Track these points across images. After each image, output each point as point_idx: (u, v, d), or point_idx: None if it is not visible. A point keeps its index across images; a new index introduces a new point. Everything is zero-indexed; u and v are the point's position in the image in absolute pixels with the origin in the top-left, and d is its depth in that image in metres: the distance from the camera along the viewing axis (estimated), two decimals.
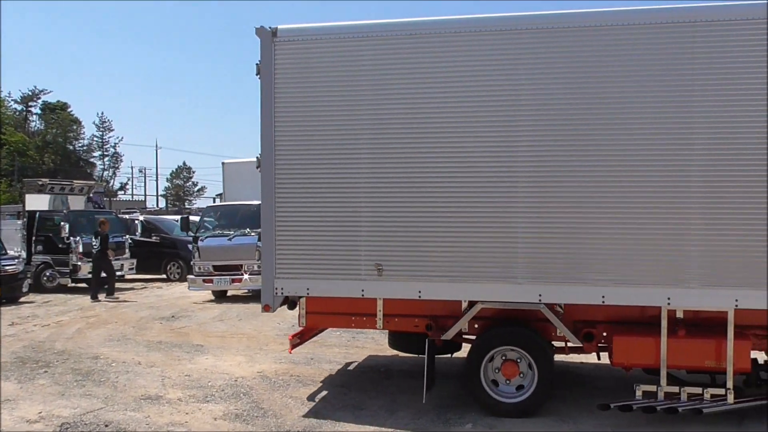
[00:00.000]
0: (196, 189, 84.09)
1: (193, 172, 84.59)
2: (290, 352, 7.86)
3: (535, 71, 6.20)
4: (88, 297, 15.73)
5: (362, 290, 6.58)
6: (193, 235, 15.77)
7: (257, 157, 6.83)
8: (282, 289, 6.78)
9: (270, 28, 6.66)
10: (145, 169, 79.95)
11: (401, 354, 8.27)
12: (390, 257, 6.48)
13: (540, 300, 6.27)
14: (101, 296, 15.57)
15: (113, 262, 16.49)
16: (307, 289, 6.76)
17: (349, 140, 6.57)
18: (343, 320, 7.22)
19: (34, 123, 64.92)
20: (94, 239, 16.39)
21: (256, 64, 6.73)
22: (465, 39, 6.34)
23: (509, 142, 6.27)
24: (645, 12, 6.03)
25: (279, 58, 6.65)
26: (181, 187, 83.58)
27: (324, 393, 7.37)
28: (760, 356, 6.69)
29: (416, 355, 7.81)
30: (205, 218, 16.28)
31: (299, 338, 7.62)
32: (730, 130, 5.88)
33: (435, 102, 6.38)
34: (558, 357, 7.05)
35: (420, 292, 6.46)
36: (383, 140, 6.50)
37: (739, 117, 5.86)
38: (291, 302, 7.15)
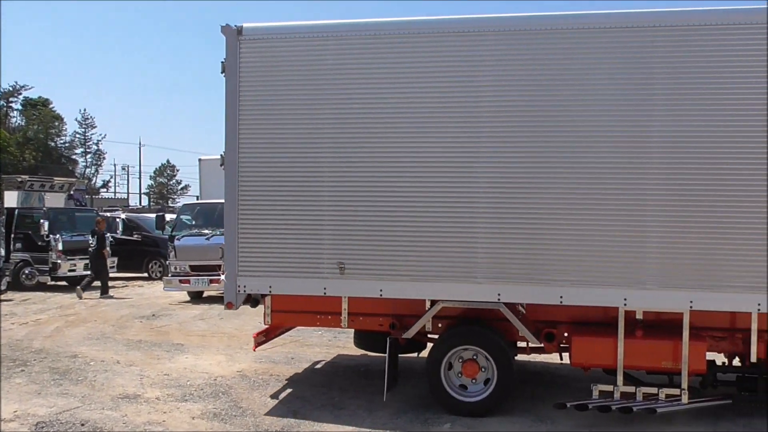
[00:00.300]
0: (180, 187, 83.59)
1: (177, 170, 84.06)
2: (254, 350, 7.84)
3: (496, 74, 6.27)
4: (68, 295, 15.62)
5: (324, 288, 6.61)
6: (169, 234, 15.50)
7: (221, 155, 6.86)
8: (245, 286, 6.80)
9: (235, 26, 6.69)
10: (128, 167, 79.28)
11: (379, 354, 8.27)
12: (352, 256, 6.52)
13: (499, 299, 6.34)
14: (84, 294, 15.50)
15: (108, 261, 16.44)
16: (270, 287, 6.79)
17: (312, 139, 6.60)
18: (308, 318, 7.27)
19: (14, 119, 64.15)
20: (91, 238, 16.43)
21: (222, 62, 6.76)
22: (427, 40, 6.38)
23: (470, 143, 6.32)
24: (606, 16, 6.11)
25: (244, 57, 6.67)
26: (164, 185, 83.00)
27: (303, 392, 7.36)
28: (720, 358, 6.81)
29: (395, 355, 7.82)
30: (182, 216, 15.90)
31: (264, 336, 7.63)
32: (687, 134, 5.96)
33: (397, 102, 6.42)
34: (541, 358, 7.13)
35: (381, 291, 6.51)
36: (346, 140, 6.54)
37: (696, 122, 5.94)
38: (254, 300, 7.17)
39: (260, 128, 6.69)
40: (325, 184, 6.58)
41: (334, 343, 9.97)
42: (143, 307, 13.89)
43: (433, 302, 6.62)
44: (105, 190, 73.08)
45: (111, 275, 18.72)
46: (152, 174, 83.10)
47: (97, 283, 15.95)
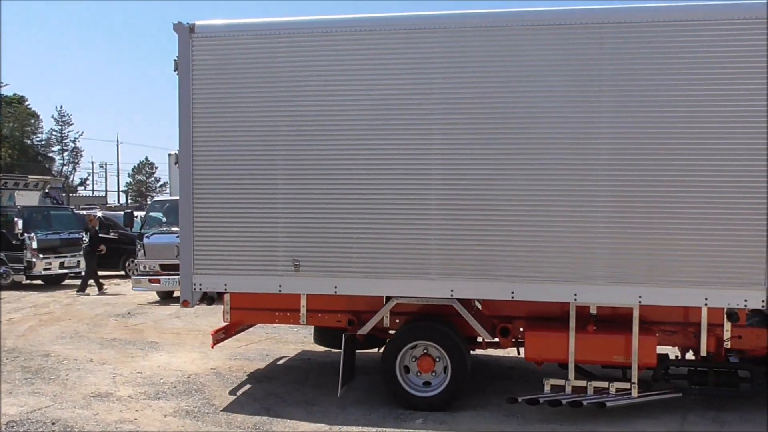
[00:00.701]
0: (158, 185, 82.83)
1: (156, 168, 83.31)
2: (212, 348, 7.82)
3: (447, 71, 6.31)
4: (43, 294, 15.48)
5: (279, 286, 6.65)
6: (137, 231, 15.16)
7: (175, 153, 6.85)
8: (200, 284, 6.81)
9: (188, 24, 6.68)
10: (106, 165, 78.46)
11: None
12: (307, 253, 6.56)
13: (452, 295, 6.41)
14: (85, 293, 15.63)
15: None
16: (225, 284, 6.81)
17: (266, 137, 6.61)
18: (267, 316, 7.31)
19: None
20: (84, 235, 16.53)
21: (174, 60, 6.74)
22: (379, 37, 6.42)
23: (422, 141, 6.37)
24: (554, 13, 6.17)
25: (197, 55, 6.67)
26: (143, 182, 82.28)
27: (277, 389, 7.37)
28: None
29: (371, 351, 7.86)
30: (151, 213, 15.44)
31: (224, 333, 7.63)
32: (633, 132, 6.05)
33: (349, 100, 6.46)
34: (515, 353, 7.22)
35: (336, 287, 6.56)
36: (300, 137, 6.56)
37: (642, 120, 6.03)
38: (209, 298, 7.19)
39: (214, 126, 6.69)
40: (279, 181, 6.60)
41: (309, 339, 9.91)
42: (119, 305, 13.78)
43: (388, 298, 6.69)
44: (83, 187, 72.31)
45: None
46: (131, 171, 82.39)
47: (91, 278, 16.02)
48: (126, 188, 78.43)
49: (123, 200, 69.32)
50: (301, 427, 6.18)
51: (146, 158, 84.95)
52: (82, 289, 15.73)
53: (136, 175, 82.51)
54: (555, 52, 6.13)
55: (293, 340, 9.96)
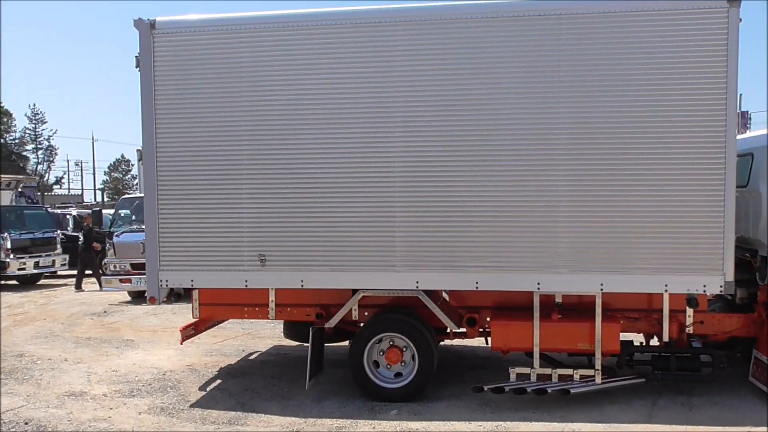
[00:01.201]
0: (135, 182, 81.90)
1: (132, 165, 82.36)
2: (181, 344, 7.83)
3: (409, 64, 6.38)
4: (17, 294, 15.33)
5: (246, 281, 6.68)
6: (107, 230, 14.98)
7: (138, 150, 6.86)
8: (167, 281, 6.85)
9: (148, 20, 6.68)
10: (81, 162, 77.45)
11: (328, 344, 8.35)
12: (273, 248, 6.60)
13: (417, 287, 6.49)
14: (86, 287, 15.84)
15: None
16: (191, 280, 6.84)
17: (229, 132, 6.64)
18: (236, 311, 7.36)
19: None
20: (80, 234, 16.70)
21: (136, 56, 6.73)
22: (340, 31, 6.46)
23: (386, 134, 6.43)
24: (513, 4, 6.27)
25: (158, 51, 6.68)
26: (119, 180, 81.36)
27: (253, 384, 7.40)
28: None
29: (347, 345, 7.91)
30: (120, 211, 15.18)
31: (193, 329, 7.66)
32: (591, 122, 6.16)
33: (313, 94, 6.51)
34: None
35: (303, 281, 6.62)
36: (263, 132, 6.59)
37: (602, 109, 6.14)
38: (176, 294, 7.23)
39: (177, 122, 6.71)
40: (243, 176, 6.63)
41: None
42: (95, 304, 13.69)
43: (355, 291, 6.76)
44: (58, 186, 71.31)
45: (63, 273, 18.42)
46: (107, 169, 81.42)
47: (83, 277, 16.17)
48: (102, 186, 77.54)
49: (99, 198, 68.53)
50: (276, 421, 6.23)
51: (122, 155, 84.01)
52: (78, 285, 16.09)
53: (112, 173, 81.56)
54: (514, 43, 6.22)
55: (270, 335, 9.98)
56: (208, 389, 7.26)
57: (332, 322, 6.89)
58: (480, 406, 6.54)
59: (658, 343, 6.83)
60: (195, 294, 7.29)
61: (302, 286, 6.64)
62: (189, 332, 7.57)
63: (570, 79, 6.15)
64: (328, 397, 6.89)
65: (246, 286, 6.71)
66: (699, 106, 5.99)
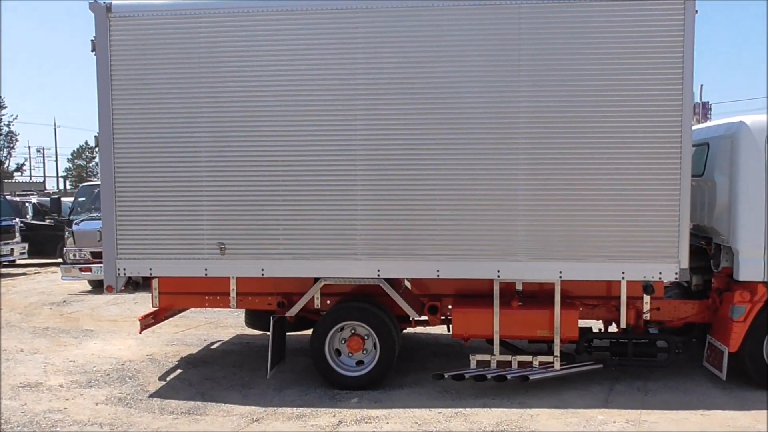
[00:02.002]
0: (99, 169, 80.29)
1: (96, 152, 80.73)
2: (140, 333, 7.71)
3: (371, 52, 6.33)
4: None
5: (205, 269, 6.62)
6: (66, 218, 14.69)
7: (95, 136, 6.74)
8: (124, 269, 6.74)
9: (104, 3, 6.54)
10: (43, 149, 75.66)
11: (292, 333, 8.32)
12: (233, 236, 6.54)
13: (379, 275, 6.50)
14: None
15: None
16: (150, 269, 6.74)
17: (188, 118, 6.53)
18: (197, 300, 7.30)
19: None
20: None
21: (91, 40, 6.59)
22: (302, 18, 6.38)
23: (347, 122, 6.39)
24: None
25: (115, 35, 6.53)
26: (83, 167, 79.72)
27: (214, 374, 7.34)
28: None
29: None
30: (80, 199, 14.91)
31: (152, 319, 7.56)
32: (553, 110, 6.19)
33: (273, 81, 6.43)
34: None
35: (263, 270, 6.57)
36: (223, 119, 6.50)
37: (562, 98, 6.18)
38: (134, 283, 7.12)
39: (135, 108, 6.57)
40: (202, 163, 6.53)
41: None
42: (54, 293, 13.42)
43: (317, 280, 6.75)
44: (19, 173, 69.59)
45: (22, 262, 18.01)
46: (70, 156, 79.69)
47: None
48: (65, 174, 75.93)
49: (62, 186, 67.13)
50: (236, 410, 6.18)
51: (86, 142, 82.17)
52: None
53: (75, 160, 79.86)
54: (475, 31, 6.21)
55: (233, 324, 9.90)
56: (167, 379, 7.17)
57: (293, 311, 6.86)
58: (441, 393, 6.58)
59: (616, 330, 6.95)
60: (154, 283, 7.19)
61: (263, 274, 6.59)
62: (148, 321, 7.46)
63: (530, 69, 6.17)
64: (290, 385, 6.86)
65: (206, 274, 6.63)
66: (656, 98, 6.07)
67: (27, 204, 19.68)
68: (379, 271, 6.48)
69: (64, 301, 12.39)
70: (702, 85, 37.80)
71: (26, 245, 17.61)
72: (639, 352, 6.75)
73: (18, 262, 17.90)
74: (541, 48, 6.14)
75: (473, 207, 6.29)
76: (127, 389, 6.80)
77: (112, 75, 6.53)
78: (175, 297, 7.33)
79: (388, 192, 6.37)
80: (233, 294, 7.03)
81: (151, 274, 6.82)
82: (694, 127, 7.05)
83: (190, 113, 6.51)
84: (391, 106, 6.32)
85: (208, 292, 7.11)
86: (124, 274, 6.76)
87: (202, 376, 7.26)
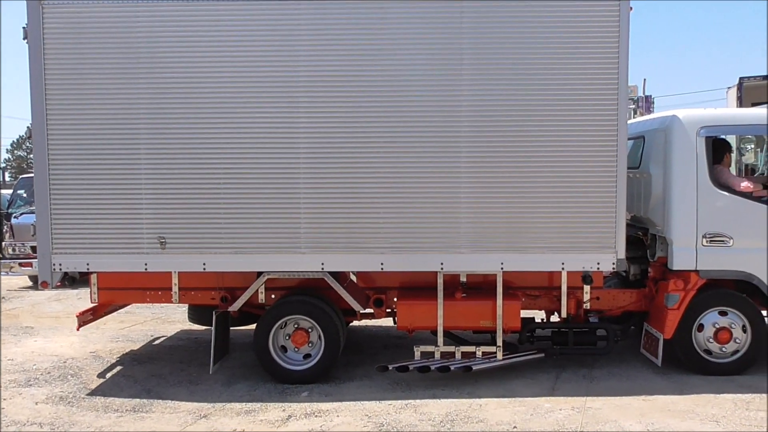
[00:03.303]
0: None
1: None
2: (77, 330, 7.52)
3: (312, 44, 6.31)
4: None
5: (145, 264, 6.52)
6: (4, 211, 14.21)
7: (28, 127, 6.56)
8: (60, 265, 6.59)
9: None
10: None
11: (242, 328, 8.25)
12: (173, 230, 6.46)
13: (323, 268, 6.52)
14: None
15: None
16: (87, 264, 6.61)
17: (127, 110, 6.40)
18: (137, 295, 7.18)
19: None
20: None
21: (23, 27, 6.40)
22: (243, 8, 6.31)
23: (289, 115, 6.36)
24: None
25: (48, 23, 6.35)
26: (24, 158, 77.01)
27: (161, 370, 7.23)
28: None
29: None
30: (19, 192, 14.55)
31: (91, 315, 7.38)
32: (493, 104, 6.30)
33: (214, 72, 6.35)
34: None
35: (205, 264, 6.51)
36: (162, 111, 6.40)
37: (502, 91, 6.28)
38: (71, 278, 6.97)
39: (70, 98, 6.40)
40: (142, 155, 6.42)
41: None
42: None
43: (261, 274, 6.72)
44: None
45: None
46: (9, 147, 76.82)
47: None
48: (5, 165, 73.21)
49: (1, 178, 64.70)
50: (183, 406, 6.11)
51: (27, 131, 79.42)
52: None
53: (15, 151, 77.05)
54: (417, 25, 6.25)
55: (181, 319, 9.74)
56: (111, 376, 7.04)
57: (236, 306, 6.81)
58: (391, 385, 6.64)
59: (558, 320, 7.13)
60: (93, 278, 7.03)
61: (204, 269, 6.51)
62: (87, 318, 7.27)
63: (472, 63, 6.25)
64: (238, 380, 6.82)
65: (146, 269, 6.52)
66: (593, 93, 6.23)
67: None
68: (323, 264, 6.47)
69: (3, 298, 11.99)
70: (645, 79, 38.96)
71: None
72: (579, 341, 6.96)
73: None
74: (483, 42, 6.23)
75: (416, 199, 6.36)
76: (68, 387, 6.65)
77: (46, 64, 6.34)
78: (114, 293, 7.18)
79: (331, 185, 6.37)
80: (175, 289, 6.94)
81: (88, 269, 6.66)
82: (630, 121, 7.29)
83: (128, 104, 6.37)
84: (334, 99, 6.32)
85: (150, 287, 7.00)
86: (60, 269, 6.59)
87: (147, 372, 7.15)
